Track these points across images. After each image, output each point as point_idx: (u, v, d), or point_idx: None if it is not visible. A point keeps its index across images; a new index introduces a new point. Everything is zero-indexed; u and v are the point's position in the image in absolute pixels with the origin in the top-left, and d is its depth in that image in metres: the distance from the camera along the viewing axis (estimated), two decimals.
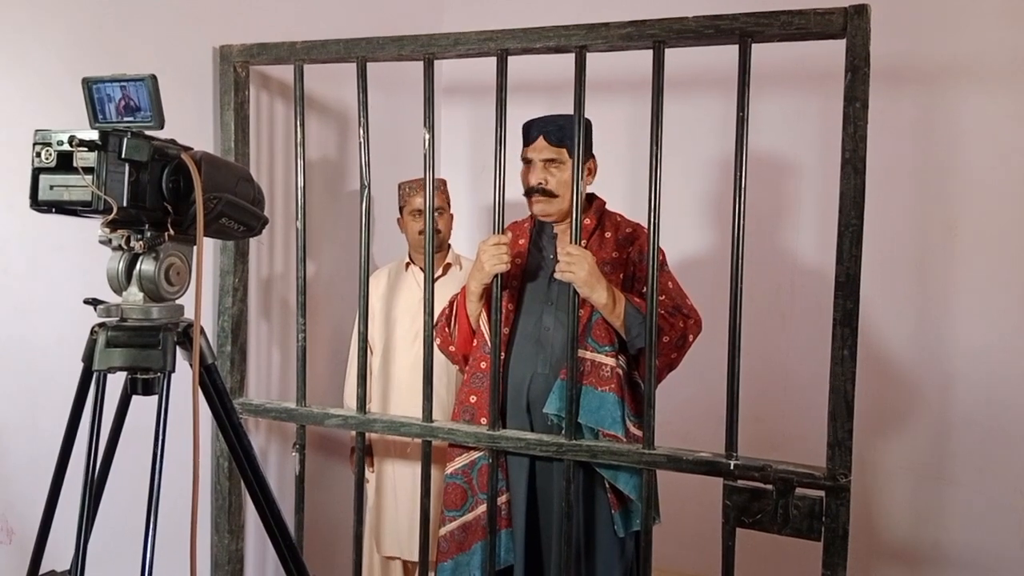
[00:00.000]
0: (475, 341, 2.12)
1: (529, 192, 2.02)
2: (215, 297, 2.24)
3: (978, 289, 2.65)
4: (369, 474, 2.54)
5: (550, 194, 2.00)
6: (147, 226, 1.19)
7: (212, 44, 2.18)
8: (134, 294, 1.22)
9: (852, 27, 1.65)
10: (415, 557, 2.41)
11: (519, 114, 2.08)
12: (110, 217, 1.12)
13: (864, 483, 2.78)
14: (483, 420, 2.02)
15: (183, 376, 1.20)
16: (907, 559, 2.79)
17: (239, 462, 1.39)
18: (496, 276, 1.95)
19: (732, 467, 1.77)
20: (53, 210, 1.14)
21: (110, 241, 1.21)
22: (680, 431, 2.73)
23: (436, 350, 2.12)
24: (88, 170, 1.10)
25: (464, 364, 2.17)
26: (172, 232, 1.21)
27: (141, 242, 1.19)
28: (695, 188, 3.03)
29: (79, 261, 1.77)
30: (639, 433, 1.93)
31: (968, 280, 2.67)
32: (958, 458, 2.70)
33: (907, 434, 2.78)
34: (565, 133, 1.94)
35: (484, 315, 2.08)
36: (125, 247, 1.20)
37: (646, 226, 1.86)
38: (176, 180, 1.18)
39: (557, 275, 1.89)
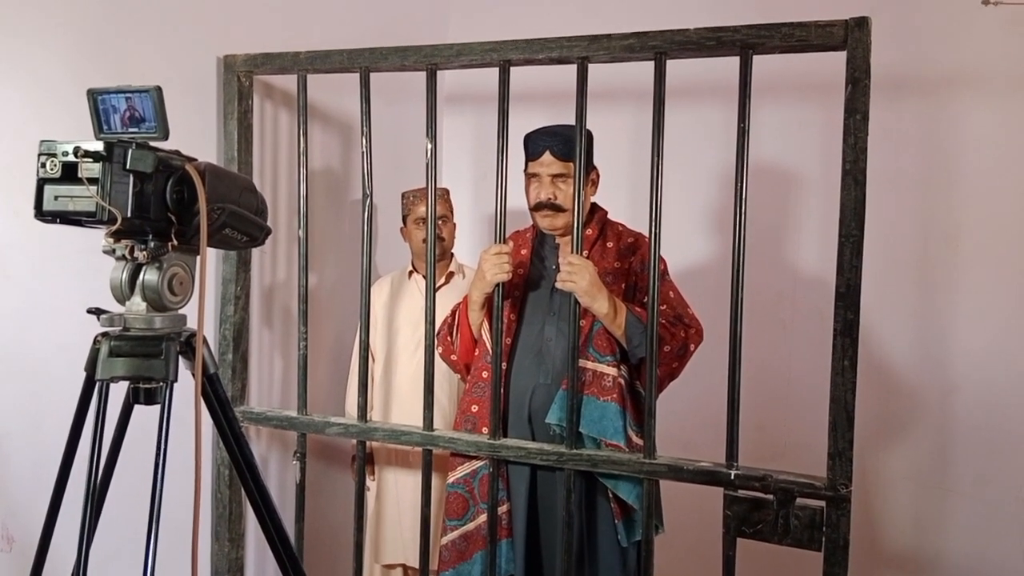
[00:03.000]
0: (477, 350, 2.12)
1: (538, 207, 2.03)
2: (217, 306, 2.25)
3: (979, 299, 2.65)
4: (370, 482, 2.54)
5: (559, 208, 2.00)
6: (151, 236, 1.20)
7: (216, 54, 2.20)
8: (137, 304, 1.23)
9: (853, 39, 1.66)
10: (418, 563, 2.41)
11: (521, 124, 2.09)
12: (114, 227, 1.12)
13: (865, 492, 2.77)
14: (485, 430, 2.02)
15: (184, 385, 1.21)
16: (908, 568, 2.78)
17: (240, 471, 1.39)
18: (498, 285, 1.96)
19: (732, 477, 1.77)
20: (58, 220, 1.15)
21: (114, 251, 1.21)
22: (681, 440, 2.73)
23: (438, 359, 2.12)
24: (93, 181, 1.10)
25: (466, 373, 2.17)
26: (176, 242, 1.21)
27: (145, 252, 1.20)
28: (697, 198, 3.03)
29: (82, 270, 1.77)
30: (641, 443, 1.93)
31: (969, 290, 2.67)
32: (959, 467, 2.69)
33: (908, 443, 2.77)
34: (571, 146, 1.93)
35: (486, 324, 2.08)
36: (129, 257, 1.21)
37: (648, 236, 1.86)
38: (180, 191, 1.19)
39: (558, 285, 1.89)
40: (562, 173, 1.99)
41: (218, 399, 1.33)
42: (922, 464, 2.75)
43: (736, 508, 1.75)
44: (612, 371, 1.96)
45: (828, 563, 1.72)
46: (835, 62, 1.75)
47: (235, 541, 2.24)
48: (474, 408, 2.07)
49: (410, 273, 2.62)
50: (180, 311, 1.27)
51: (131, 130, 1.15)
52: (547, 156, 1.99)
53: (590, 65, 1.89)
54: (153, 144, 1.17)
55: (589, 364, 1.96)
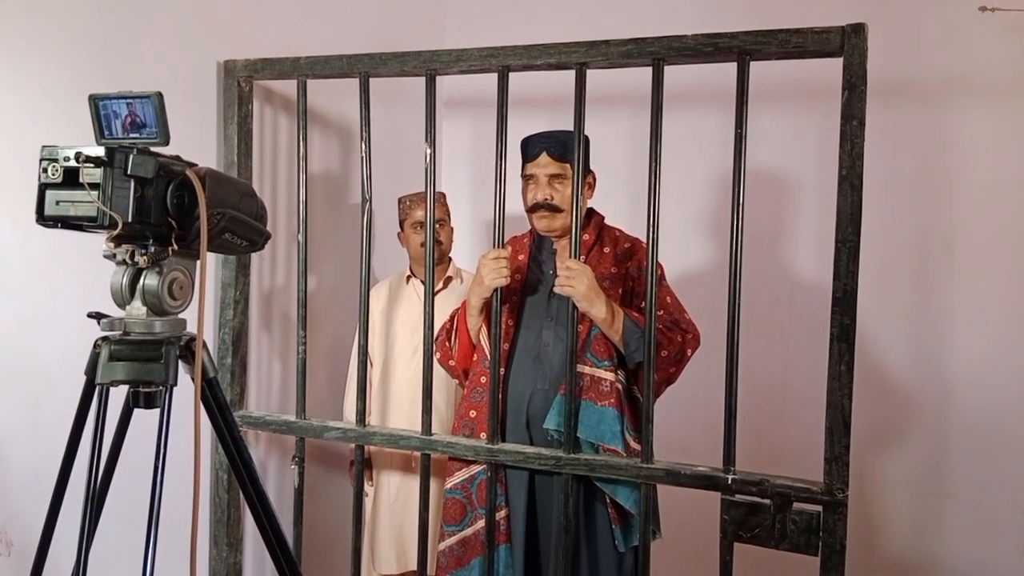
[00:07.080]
0: (475, 356, 2.13)
1: (534, 207, 2.03)
2: (216, 310, 2.25)
3: (976, 304, 2.66)
4: (368, 488, 2.54)
5: (555, 209, 2.01)
6: (151, 241, 1.21)
7: (216, 59, 2.20)
8: (137, 308, 1.23)
9: (849, 46, 1.67)
10: (411, 567, 2.41)
11: (520, 129, 2.10)
12: (115, 232, 1.13)
13: (862, 497, 2.77)
14: (483, 435, 2.02)
15: (184, 389, 1.21)
16: (905, 573, 2.78)
17: (239, 475, 1.40)
18: (496, 290, 1.96)
19: (730, 481, 1.77)
20: (59, 225, 1.16)
21: (114, 256, 1.22)
22: (678, 445, 2.73)
23: (436, 364, 2.13)
24: (94, 186, 1.11)
25: (464, 378, 2.18)
26: (176, 247, 1.22)
27: (145, 257, 1.20)
28: (694, 203, 3.04)
29: (82, 274, 1.78)
30: (639, 447, 1.93)
31: (966, 295, 2.68)
32: (956, 472, 2.70)
33: (905, 448, 2.78)
34: (568, 148, 1.95)
35: (484, 330, 2.09)
36: (129, 262, 1.21)
37: (645, 241, 1.87)
38: (181, 196, 1.20)
39: (556, 289, 1.90)
40: (558, 174, 2.00)
41: (217, 403, 1.33)
42: (918, 469, 2.76)
43: (733, 513, 1.76)
44: (610, 376, 1.96)
45: (825, 568, 1.72)
46: (832, 68, 1.76)
47: (233, 546, 2.24)
48: (472, 413, 2.07)
49: (408, 278, 2.62)
50: (180, 315, 1.28)
51: (132, 136, 1.16)
52: (544, 157, 2.00)
53: (588, 71, 1.90)
54: (154, 149, 1.18)
55: (587, 369, 1.97)
